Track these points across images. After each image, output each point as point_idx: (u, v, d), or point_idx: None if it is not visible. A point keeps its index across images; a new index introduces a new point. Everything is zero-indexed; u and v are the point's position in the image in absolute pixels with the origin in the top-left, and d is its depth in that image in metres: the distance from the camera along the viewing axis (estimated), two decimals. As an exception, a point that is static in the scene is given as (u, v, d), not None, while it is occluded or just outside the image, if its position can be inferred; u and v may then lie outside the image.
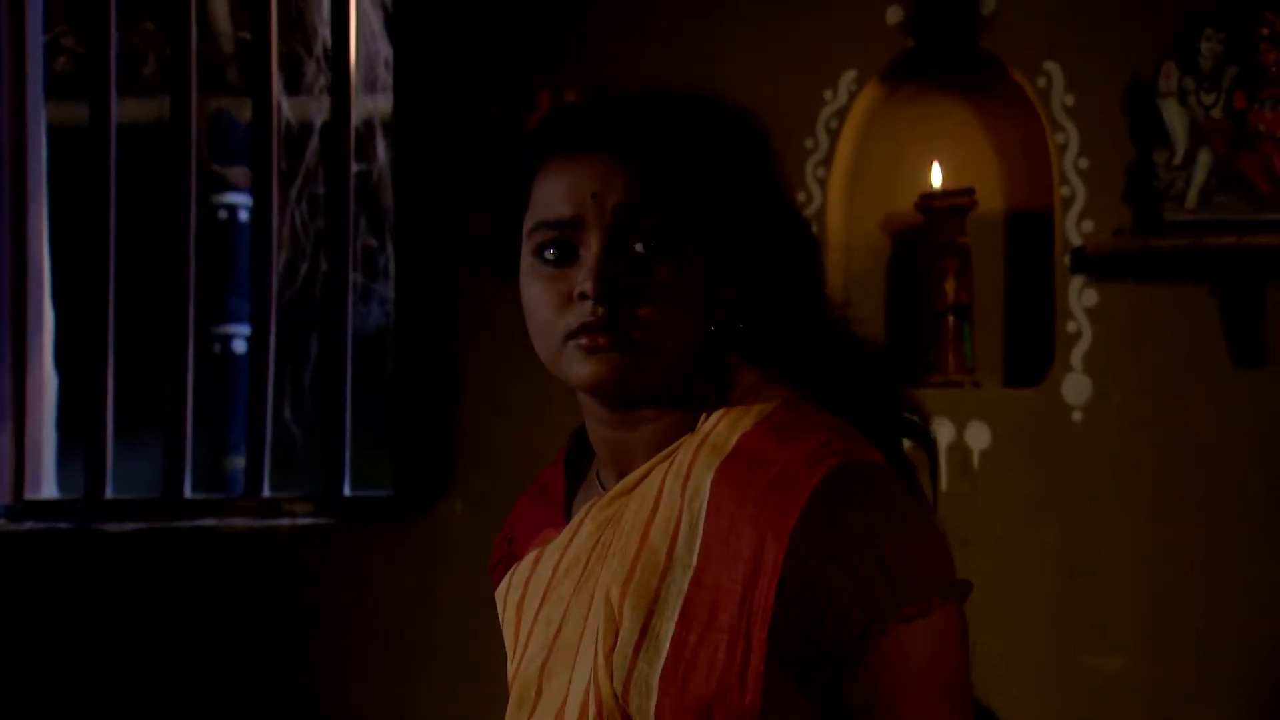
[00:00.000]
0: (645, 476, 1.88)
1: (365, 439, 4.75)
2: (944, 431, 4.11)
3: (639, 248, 1.81)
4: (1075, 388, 4.11)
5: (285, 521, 4.54)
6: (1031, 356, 4.25)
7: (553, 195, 1.83)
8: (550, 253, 1.82)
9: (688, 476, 1.83)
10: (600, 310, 1.78)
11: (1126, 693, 4.07)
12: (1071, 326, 4.11)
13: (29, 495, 4.81)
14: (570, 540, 1.92)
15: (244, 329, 6.75)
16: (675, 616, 1.77)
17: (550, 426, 2.09)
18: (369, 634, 4.42)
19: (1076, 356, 4.11)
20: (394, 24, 5.09)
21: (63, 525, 4.65)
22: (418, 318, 4.49)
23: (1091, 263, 4.08)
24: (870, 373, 1.96)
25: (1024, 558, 4.09)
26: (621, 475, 1.91)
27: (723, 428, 1.86)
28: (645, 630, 1.78)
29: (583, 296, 1.79)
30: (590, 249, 1.80)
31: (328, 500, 4.63)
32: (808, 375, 1.92)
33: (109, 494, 4.80)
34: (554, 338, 1.82)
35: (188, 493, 4.77)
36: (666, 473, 1.85)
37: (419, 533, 4.40)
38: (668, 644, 1.77)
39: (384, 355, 6.94)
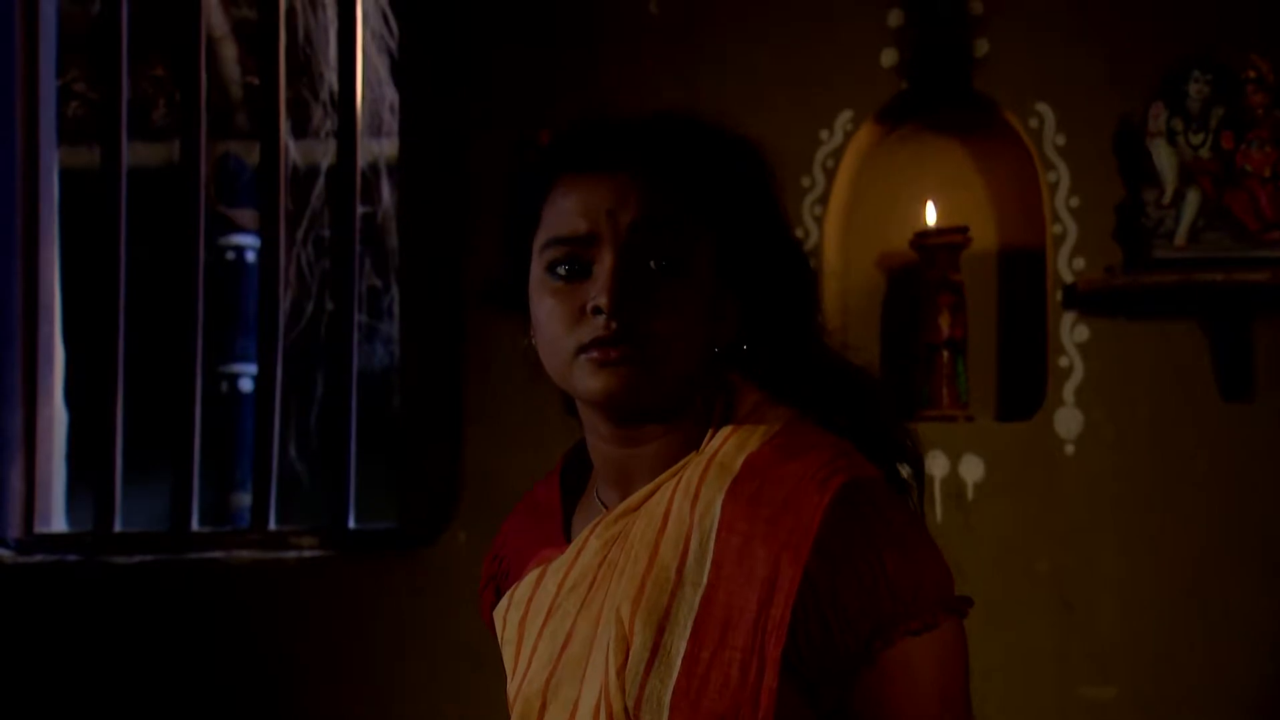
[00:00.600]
0: (652, 494, 1.89)
1: (368, 476, 4.75)
2: (938, 464, 4.12)
3: (651, 264, 1.82)
4: (1067, 421, 4.12)
5: (292, 554, 4.54)
6: (1024, 391, 4.27)
7: (567, 211, 1.85)
8: (563, 269, 1.83)
9: (697, 495, 1.84)
10: (614, 325, 1.79)
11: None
12: (1063, 361, 4.13)
13: (39, 528, 4.80)
14: (575, 558, 1.93)
15: (250, 368, 6.76)
16: (687, 634, 1.79)
17: (550, 458, 2.10)
18: (375, 662, 4.41)
19: (1068, 391, 4.12)
20: (400, 70, 5.10)
21: (72, 558, 4.65)
22: (423, 353, 4.51)
23: (1083, 299, 4.10)
24: (865, 395, 1.99)
25: (1017, 588, 4.10)
26: (624, 494, 1.92)
27: (730, 447, 1.87)
28: (657, 647, 1.79)
29: (597, 311, 1.80)
30: (604, 265, 1.82)
31: (333, 533, 4.63)
32: (806, 395, 1.94)
33: (117, 528, 4.79)
34: (565, 352, 1.83)
35: (195, 527, 4.78)
36: (674, 490, 1.87)
37: (423, 562, 4.41)
38: (680, 661, 1.78)
39: (388, 394, 6.94)
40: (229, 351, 6.93)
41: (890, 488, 1.88)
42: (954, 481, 4.14)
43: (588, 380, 1.82)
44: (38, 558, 4.66)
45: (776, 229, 1.96)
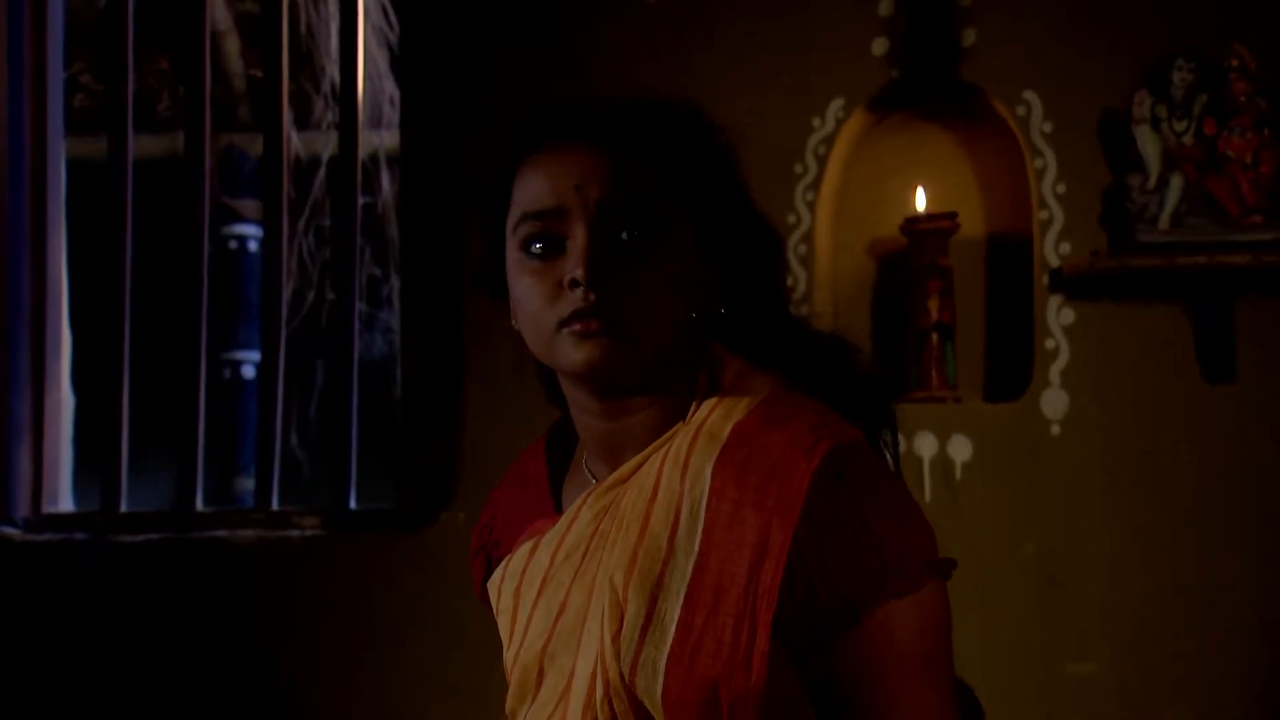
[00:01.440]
0: (642, 465, 1.89)
1: (367, 463, 4.75)
2: (927, 444, 4.13)
3: (624, 236, 1.82)
4: (1053, 402, 4.13)
5: (294, 533, 4.54)
6: (1011, 373, 4.27)
7: (535, 188, 1.84)
8: (537, 246, 1.83)
9: (686, 464, 1.85)
10: (592, 296, 1.79)
11: (1102, 697, 4.08)
12: (1050, 344, 4.13)
13: (46, 509, 4.81)
14: (568, 529, 1.93)
15: (252, 355, 6.78)
16: (680, 601, 1.79)
17: None
18: (375, 639, 4.42)
19: (1054, 372, 4.12)
20: (400, 63, 5.11)
21: (79, 536, 4.65)
22: (423, 338, 4.50)
23: (1069, 283, 4.11)
24: (840, 356, 2.00)
25: (1004, 566, 4.10)
26: (614, 465, 1.92)
27: (717, 416, 1.87)
28: (650, 614, 1.80)
29: (574, 284, 1.80)
30: (576, 239, 1.81)
31: (335, 513, 4.63)
32: (786, 360, 1.95)
33: (123, 510, 4.80)
34: (546, 328, 1.83)
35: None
36: (663, 461, 1.87)
37: (423, 542, 4.41)
38: (674, 627, 1.79)
39: (386, 382, 6.95)
40: (231, 339, 6.94)
41: (872, 451, 1.89)
42: (942, 461, 4.14)
43: (571, 353, 1.82)
44: (46, 536, 4.65)
45: (742, 197, 1.96)
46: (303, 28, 6.61)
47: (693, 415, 1.89)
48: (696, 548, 1.80)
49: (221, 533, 4.59)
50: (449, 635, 4.35)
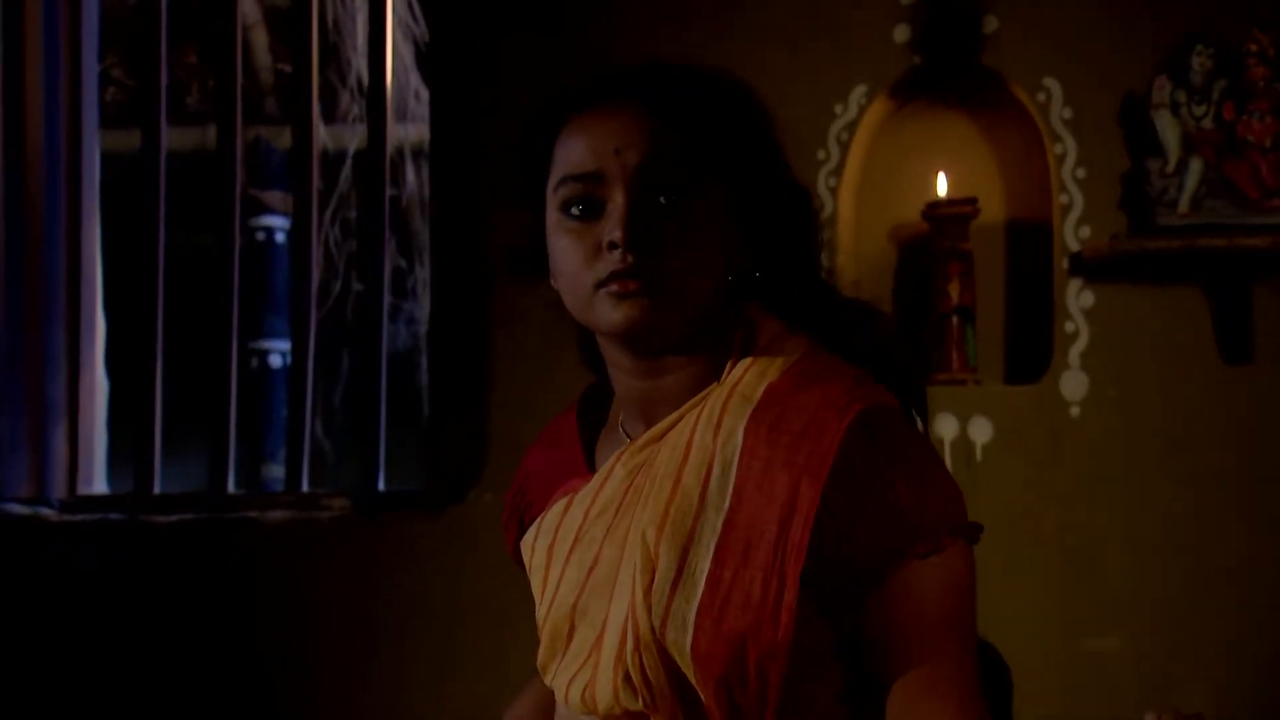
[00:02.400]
0: (676, 424, 1.89)
1: (391, 451, 4.74)
2: (948, 426, 4.11)
3: (661, 199, 1.82)
4: (1073, 384, 4.10)
5: (324, 513, 4.53)
6: (1031, 355, 4.25)
7: (576, 151, 1.84)
8: (577, 208, 1.84)
9: (719, 423, 1.84)
10: (630, 258, 1.79)
11: (1122, 673, 4.06)
12: (1069, 327, 4.11)
13: (81, 490, 4.80)
14: (602, 486, 1.93)
15: (279, 344, 6.76)
16: (710, 555, 1.79)
17: None
18: (403, 617, 4.40)
19: (1074, 355, 4.10)
20: (428, 55, 5.09)
21: (114, 516, 4.63)
22: (451, 321, 4.49)
23: (1088, 266, 4.08)
24: (873, 322, 1.99)
25: (1024, 545, 4.08)
26: (649, 424, 1.92)
27: (751, 376, 1.87)
28: (681, 569, 1.79)
29: (612, 246, 1.80)
30: (616, 201, 1.81)
31: (363, 495, 4.62)
32: (820, 324, 1.94)
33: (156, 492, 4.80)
34: (584, 288, 1.83)
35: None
36: (697, 419, 1.87)
37: (451, 522, 4.39)
38: (703, 581, 1.78)
39: (410, 371, 6.96)
40: (258, 329, 6.90)
41: (904, 416, 1.88)
42: (963, 443, 4.12)
43: (609, 313, 1.82)
44: (81, 517, 4.64)
45: (778, 162, 1.96)
46: (330, 22, 6.60)
47: (727, 375, 1.89)
48: (727, 503, 1.80)
49: (252, 514, 4.57)
50: (476, 613, 4.33)
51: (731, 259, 1.87)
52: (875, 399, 1.83)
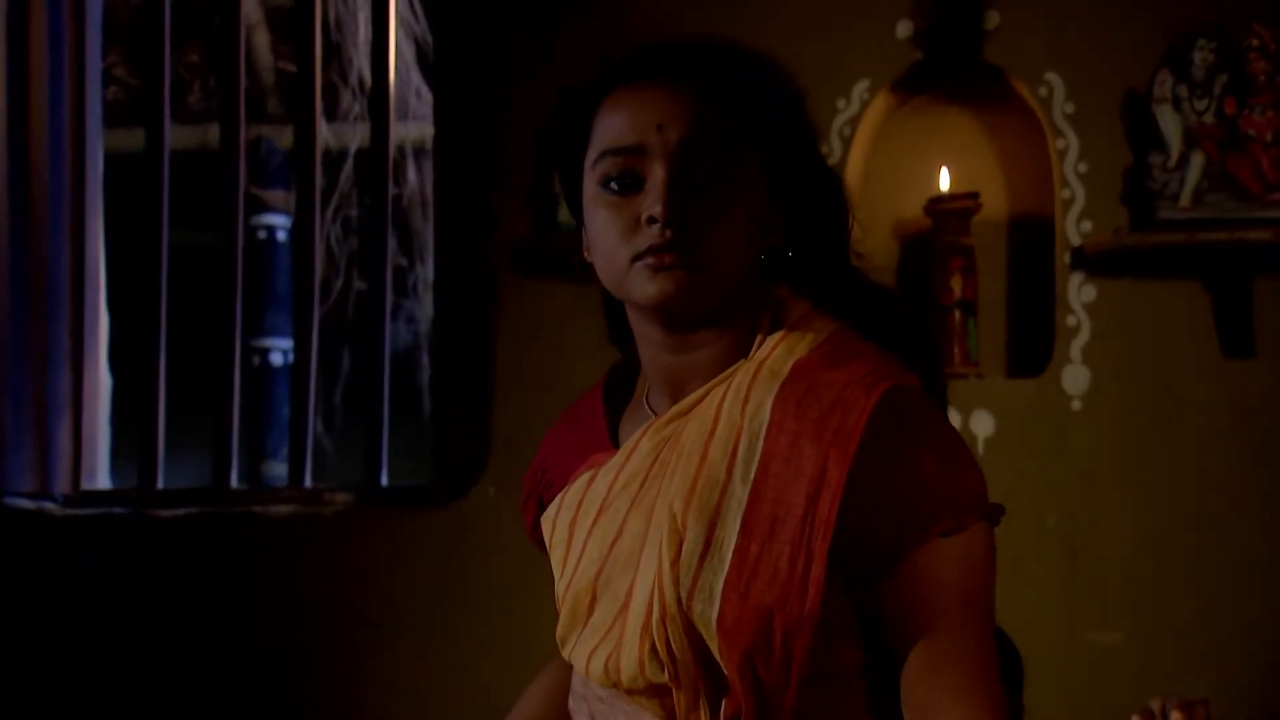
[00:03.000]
0: (703, 398, 1.89)
1: (391, 447, 4.73)
2: (950, 419, 4.07)
3: (700, 175, 1.82)
4: (1074, 378, 4.09)
5: (328, 508, 4.51)
6: (1033, 349, 4.24)
7: (617, 126, 1.84)
8: (615, 183, 1.84)
9: (747, 398, 1.84)
10: (669, 233, 1.79)
11: (1123, 665, 4.05)
12: (1071, 320, 4.09)
13: (85, 486, 4.77)
14: (627, 459, 1.92)
15: (280, 342, 6.76)
16: (737, 528, 1.79)
17: None
18: (406, 610, 4.39)
19: (1076, 349, 4.09)
20: (434, 52, 5.07)
21: (117, 511, 4.61)
22: (456, 316, 4.47)
23: (1090, 260, 4.07)
24: (900, 307, 2.00)
25: (1026, 538, 4.06)
26: (676, 400, 1.92)
27: (779, 353, 1.87)
28: (709, 541, 1.79)
29: (651, 220, 1.80)
30: (656, 177, 1.81)
31: (367, 489, 4.60)
32: (848, 305, 1.94)
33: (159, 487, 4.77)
34: (621, 261, 1.84)
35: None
36: (725, 394, 1.86)
37: (455, 516, 4.37)
38: (730, 554, 1.78)
39: (411, 370, 6.96)
40: (260, 326, 6.90)
41: (929, 396, 1.88)
42: (966, 436, 4.03)
43: (644, 286, 1.82)
44: (85, 511, 4.62)
45: (812, 143, 1.98)
46: (331, 21, 6.59)
47: (755, 351, 1.89)
48: (753, 477, 1.80)
49: (256, 508, 4.55)
50: (480, 606, 4.32)
51: (765, 237, 1.87)
52: (901, 378, 1.83)
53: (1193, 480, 4.05)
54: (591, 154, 1.87)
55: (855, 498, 1.76)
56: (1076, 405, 4.09)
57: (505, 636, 4.22)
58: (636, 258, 1.82)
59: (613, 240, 1.84)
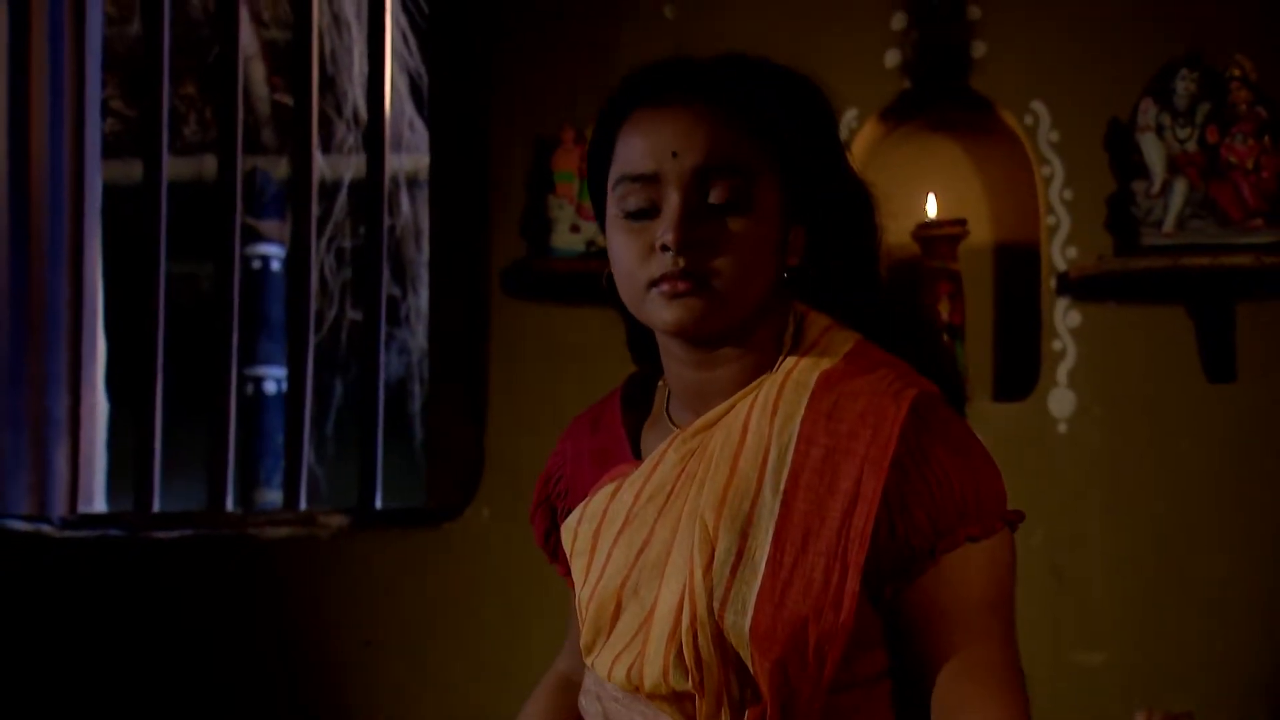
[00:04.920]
0: (730, 410, 1.88)
1: (384, 475, 4.73)
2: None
3: (715, 200, 1.82)
4: (1060, 401, 4.09)
5: (323, 530, 4.49)
6: (1019, 373, 4.23)
7: (634, 152, 1.84)
8: (633, 207, 1.84)
9: (775, 409, 1.84)
10: (681, 261, 1.80)
11: (1108, 685, 4.04)
12: (1056, 345, 4.10)
13: (81, 509, 4.76)
14: (653, 470, 1.91)
15: (273, 370, 6.74)
16: (769, 539, 1.78)
17: None
18: (402, 633, 4.36)
19: (1061, 372, 4.09)
20: (429, 83, 5.08)
21: (114, 533, 4.59)
22: (450, 339, 4.46)
23: (1075, 285, 4.07)
24: (923, 322, 2.03)
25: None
26: (699, 413, 1.91)
27: (805, 365, 1.87)
28: (741, 551, 1.79)
29: (664, 248, 1.80)
30: (670, 204, 1.81)
31: (361, 512, 4.58)
32: (870, 321, 1.94)
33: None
34: (638, 285, 1.84)
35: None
36: (752, 406, 1.86)
37: (449, 538, 4.35)
38: (764, 564, 1.78)
39: (404, 399, 6.93)
40: (253, 354, 6.87)
41: (948, 404, 1.88)
42: (952, 459, 4.09)
43: (660, 312, 1.82)
44: (82, 533, 4.59)
45: (838, 161, 1.95)
46: (327, 54, 6.59)
47: (780, 365, 1.89)
48: (783, 487, 1.80)
49: (252, 531, 4.53)
50: (474, 627, 4.30)
51: (784, 255, 1.87)
52: (925, 385, 1.84)
53: (1176, 502, 4.05)
54: (612, 175, 1.87)
55: (887, 505, 1.77)
56: (1062, 428, 4.09)
57: (499, 656, 4.20)
58: (652, 283, 1.82)
59: (630, 264, 1.84)
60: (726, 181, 1.82)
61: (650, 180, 1.82)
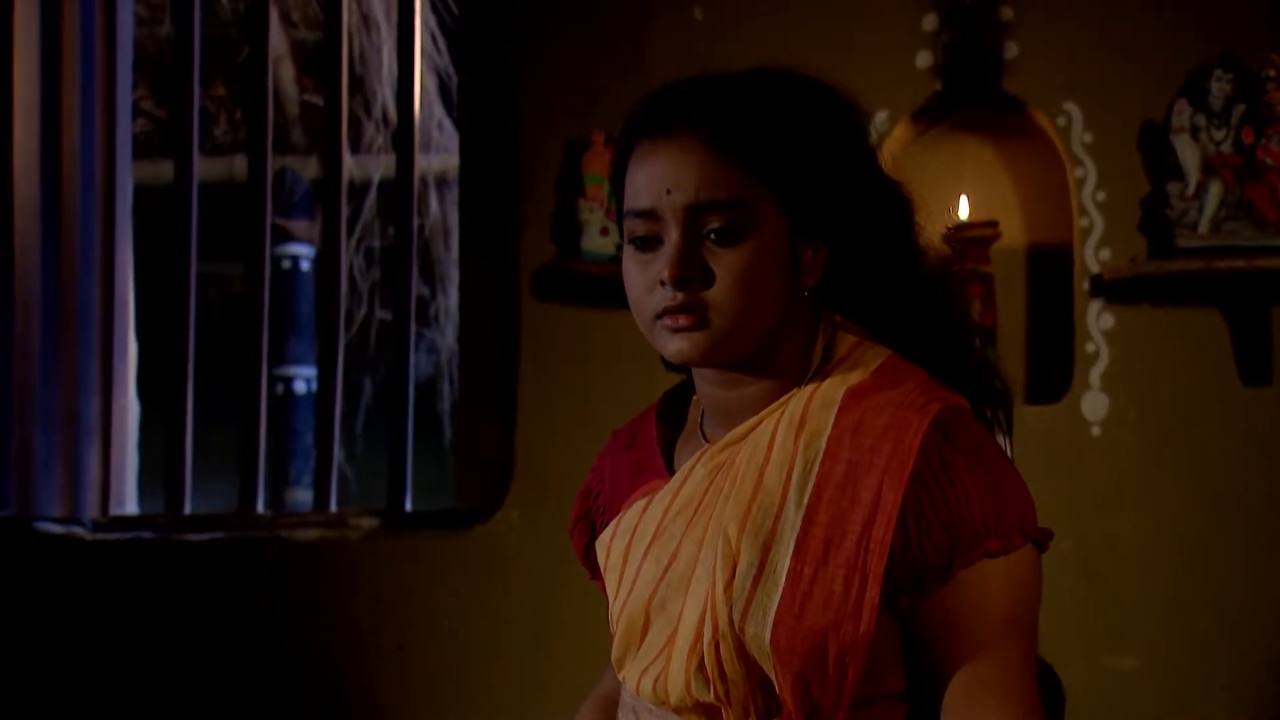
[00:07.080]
0: (756, 426, 1.86)
1: (414, 476, 4.70)
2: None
3: (713, 234, 1.80)
4: (1093, 404, 4.04)
5: (353, 532, 4.46)
6: (1052, 375, 4.18)
7: (636, 188, 1.84)
8: (639, 240, 1.83)
9: (801, 425, 1.82)
10: (680, 296, 1.79)
11: (1141, 690, 4.00)
12: (1090, 347, 4.05)
13: (113, 511, 4.75)
14: (682, 485, 1.90)
15: (303, 370, 6.73)
16: (790, 552, 1.77)
17: (598, 442, 2.11)
18: (431, 634, 4.34)
19: (1094, 375, 4.05)
20: (459, 83, 5.04)
21: (146, 535, 4.56)
22: (480, 341, 4.43)
23: (1108, 287, 4.03)
24: (958, 333, 1.97)
25: (1044, 563, 3.98)
26: (729, 429, 1.89)
27: (832, 381, 1.84)
28: (763, 565, 1.77)
29: (663, 283, 1.79)
30: (670, 238, 1.81)
31: (392, 514, 4.56)
32: (901, 333, 1.90)
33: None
34: (646, 315, 1.84)
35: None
36: (778, 422, 1.84)
37: (479, 540, 4.33)
38: (784, 577, 1.76)
39: (433, 400, 6.91)
40: (283, 355, 6.86)
41: (978, 419, 1.85)
42: (985, 462, 4.04)
43: (665, 344, 1.82)
44: (114, 536, 4.57)
45: (860, 172, 1.89)
46: (356, 54, 6.57)
47: (807, 382, 1.86)
48: (806, 502, 1.78)
49: (283, 533, 4.51)
50: (504, 629, 4.27)
51: (796, 279, 1.83)
52: (951, 398, 1.81)
53: (1210, 506, 4.00)
54: (624, 206, 1.87)
55: (905, 518, 1.74)
56: (1095, 431, 4.05)
57: (529, 659, 4.17)
58: (657, 316, 1.82)
59: (638, 295, 1.84)
60: (721, 214, 1.79)
61: (650, 215, 1.82)
